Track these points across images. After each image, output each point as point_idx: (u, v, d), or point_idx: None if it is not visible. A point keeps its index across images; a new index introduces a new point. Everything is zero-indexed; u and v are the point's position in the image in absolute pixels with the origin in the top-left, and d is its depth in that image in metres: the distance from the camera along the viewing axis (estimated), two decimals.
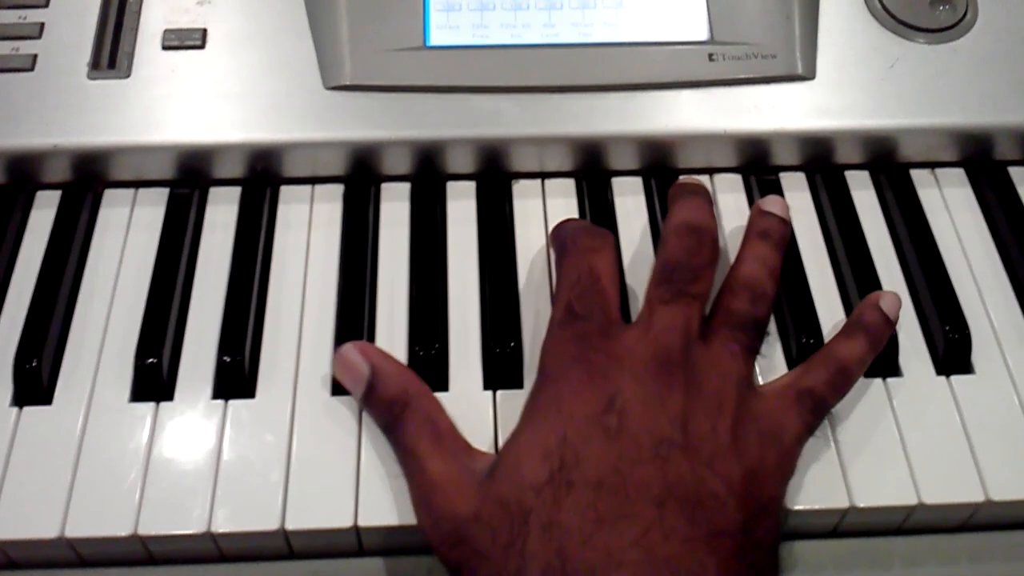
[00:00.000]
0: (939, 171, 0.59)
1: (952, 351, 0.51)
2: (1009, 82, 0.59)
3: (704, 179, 0.59)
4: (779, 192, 0.58)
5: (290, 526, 0.46)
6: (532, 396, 0.47)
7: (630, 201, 0.58)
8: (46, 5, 0.61)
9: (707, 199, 0.54)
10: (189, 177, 0.58)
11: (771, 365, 0.51)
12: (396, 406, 0.47)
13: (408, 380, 0.48)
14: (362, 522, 0.46)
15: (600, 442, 0.43)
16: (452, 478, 0.44)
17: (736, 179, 0.59)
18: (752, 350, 0.48)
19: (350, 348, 0.49)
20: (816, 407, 0.47)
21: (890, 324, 0.50)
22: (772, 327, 0.53)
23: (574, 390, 0.45)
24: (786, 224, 0.54)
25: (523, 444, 0.45)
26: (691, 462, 0.42)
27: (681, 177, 0.57)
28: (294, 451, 0.48)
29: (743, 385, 0.46)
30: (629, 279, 0.54)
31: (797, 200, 0.58)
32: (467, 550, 0.42)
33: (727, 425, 0.44)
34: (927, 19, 0.61)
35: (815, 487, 0.47)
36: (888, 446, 0.48)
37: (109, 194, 0.58)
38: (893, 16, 0.61)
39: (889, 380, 0.50)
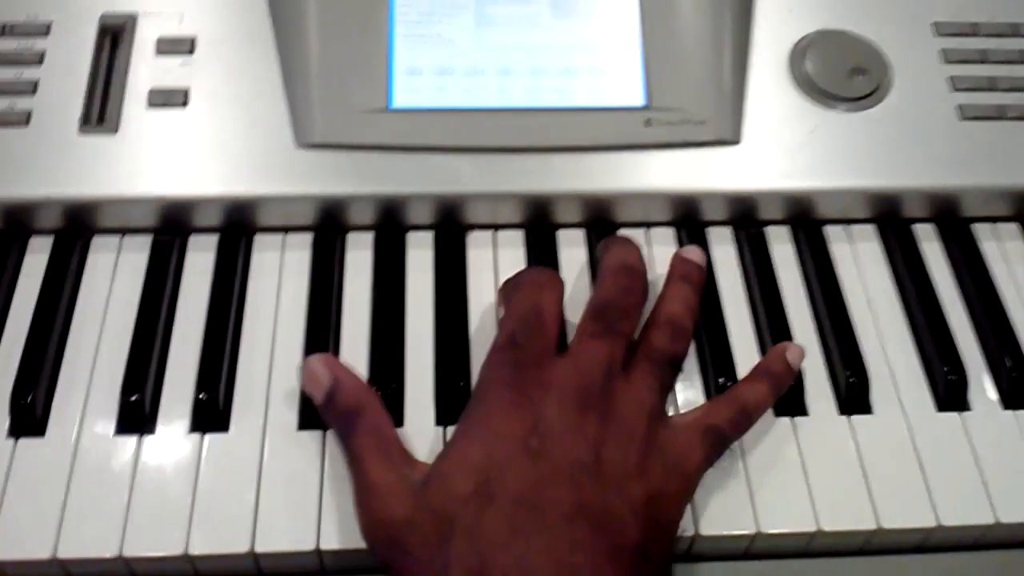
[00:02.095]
0: (852, 227, 0.66)
1: (853, 393, 0.57)
2: (918, 148, 0.65)
3: (640, 232, 0.65)
4: (706, 245, 0.64)
5: (259, 548, 0.51)
6: (465, 413, 0.53)
7: (573, 252, 0.64)
8: (40, 63, 0.66)
9: (638, 248, 0.60)
10: (171, 226, 0.63)
11: (688, 401, 0.57)
12: (350, 415, 0.53)
13: (363, 392, 0.54)
14: (323, 545, 0.51)
15: (522, 461, 0.49)
16: (390, 485, 0.50)
17: (670, 232, 0.65)
18: (667, 386, 0.55)
19: (317, 359, 0.55)
20: (718, 442, 0.53)
21: (792, 374, 0.56)
22: (695, 366, 0.59)
23: (503, 412, 0.51)
24: (703, 271, 0.60)
25: (453, 458, 0.50)
26: (600, 485, 0.48)
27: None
28: (263, 480, 0.53)
29: (655, 417, 0.52)
30: (569, 322, 0.60)
31: (722, 253, 0.64)
32: (399, 550, 0.48)
33: (635, 453, 0.49)
34: (845, 88, 0.67)
35: (727, 514, 0.53)
36: (793, 478, 0.54)
37: (97, 241, 0.63)
38: (814, 85, 0.67)
39: (796, 418, 0.56)
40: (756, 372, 0.56)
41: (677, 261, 0.60)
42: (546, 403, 0.50)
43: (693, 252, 0.61)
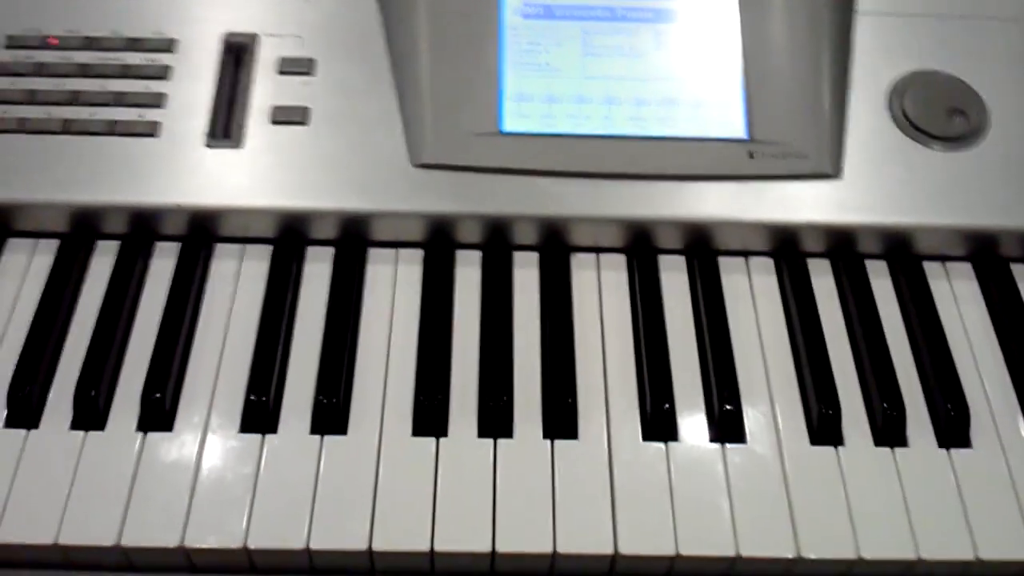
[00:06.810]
0: (949, 264, 0.67)
1: (952, 427, 0.58)
2: (1015, 188, 0.66)
3: (739, 261, 0.67)
4: (806, 276, 0.65)
5: (376, 547, 0.53)
6: None
7: (674, 276, 0.66)
8: (166, 77, 0.69)
9: None
10: (290, 237, 0.66)
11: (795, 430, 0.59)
12: None
13: None
14: (438, 547, 0.53)
15: None
16: None
17: (769, 263, 0.67)
18: None
19: None
20: None
21: None
22: (798, 397, 0.60)
23: None
24: None
25: None
26: None
27: None
28: (379, 482, 0.55)
29: None
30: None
31: (822, 285, 0.66)
32: None
33: None
34: (944, 128, 0.69)
35: (828, 538, 0.54)
36: (895, 509, 0.55)
37: (220, 248, 0.66)
38: (913, 124, 0.69)
39: (897, 450, 0.58)
40: None
41: None
42: None
43: None
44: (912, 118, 0.69)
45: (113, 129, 0.67)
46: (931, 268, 0.67)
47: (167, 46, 0.71)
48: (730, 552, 0.54)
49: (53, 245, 0.66)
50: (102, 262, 0.65)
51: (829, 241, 0.66)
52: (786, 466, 0.57)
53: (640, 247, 0.67)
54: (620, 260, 0.67)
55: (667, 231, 0.66)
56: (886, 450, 0.58)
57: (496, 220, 0.66)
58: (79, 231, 0.66)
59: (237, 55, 0.71)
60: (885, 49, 0.72)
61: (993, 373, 0.62)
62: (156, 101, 0.68)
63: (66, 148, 0.66)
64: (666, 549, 0.54)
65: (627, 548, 0.54)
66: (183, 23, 0.71)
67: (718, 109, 0.69)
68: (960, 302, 0.65)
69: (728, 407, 0.59)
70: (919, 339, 0.63)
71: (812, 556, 0.54)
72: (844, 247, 0.67)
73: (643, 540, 0.54)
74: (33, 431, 0.57)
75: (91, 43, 0.70)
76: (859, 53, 0.71)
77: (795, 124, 0.67)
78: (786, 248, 0.67)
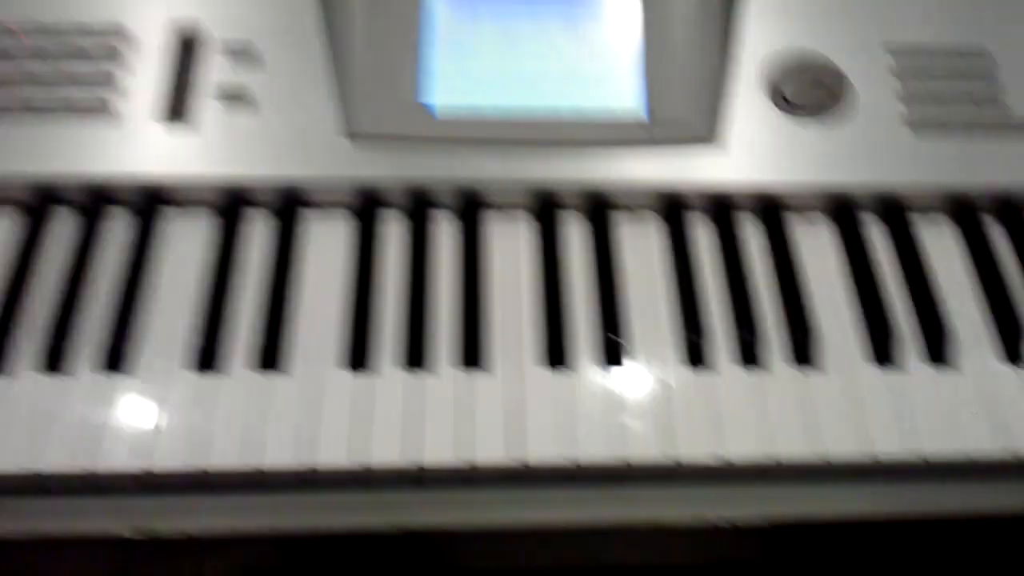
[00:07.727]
0: (810, 217, 0.78)
1: (802, 350, 0.69)
2: (868, 151, 0.77)
3: (630, 217, 0.77)
4: (682, 232, 0.75)
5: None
6: None
7: (575, 232, 0.76)
8: (115, 59, 0.77)
9: None
10: (234, 203, 0.75)
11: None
12: None
13: None
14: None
15: None
16: None
17: (657, 218, 0.77)
18: None
19: None
20: None
21: None
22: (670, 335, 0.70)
23: None
24: None
25: None
26: None
27: None
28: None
29: None
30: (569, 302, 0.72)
31: (704, 238, 0.76)
32: None
33: None
34: (810, 100, 0.79)
35: (696, 440, 0.65)
36: (754, 416, 0.66)
37: (168, 213, 0.75)
38: (784, 97, 0.79)
39: (756, 368, 0.69)
40: None
41: None
42: None
43: None
44: (783, 91, 0.79)
45: (69, 107, 0.74)
46: (796, 221, 0.77)
47: (116, 29, 0.78)
48: (622, 453, 0.64)
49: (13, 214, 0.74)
50: (60, 229, 0.73)
51: (710, 200, 0.76)
52: (668, 383, 0.68)
53: (545, 206, 0.76)
54: (526, 216, 0.76)
55: (568, 192, 0.76)
56: (749, 368, 0.68)
57: (416, 184, 0.75)
58: (39, 202, 0.74)
59: (183, 36, 0.78)
60: (761, 28, 0.82)
61: (842, 307, 0.73)
62: (108, 81, 0.76)
63: (26, 125, 0.74)
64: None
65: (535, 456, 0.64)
66: (128, 8, 0.79)
67: (615, 83, 0.78)
68: (819, 250, 0.76)
69: (616, 339, 0.69)
70: (781, 280, 0.74)
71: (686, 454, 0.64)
72: (722, 205, 0.77)
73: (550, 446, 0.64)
74: None
75: (46, 29, 0.77)
76: (742, 31, 0.81)
77: (683, 96, 0.77)
78: (674, 207, 0.77)
